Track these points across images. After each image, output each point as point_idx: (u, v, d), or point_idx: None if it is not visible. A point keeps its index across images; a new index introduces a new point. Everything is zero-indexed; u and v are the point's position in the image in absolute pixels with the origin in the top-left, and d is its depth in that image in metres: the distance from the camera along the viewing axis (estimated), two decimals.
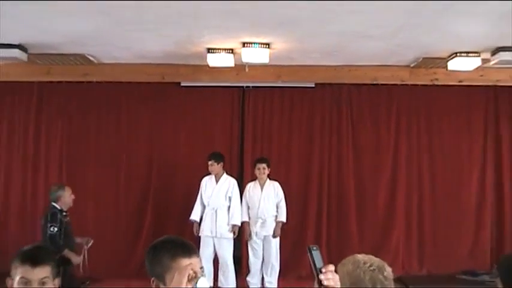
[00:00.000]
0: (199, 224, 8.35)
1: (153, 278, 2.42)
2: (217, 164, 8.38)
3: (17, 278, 2.75)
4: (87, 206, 9.18)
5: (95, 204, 9.24)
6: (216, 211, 8.31)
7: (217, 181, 8.41)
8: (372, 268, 2.50)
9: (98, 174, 9.30)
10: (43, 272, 2.78)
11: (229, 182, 8.44)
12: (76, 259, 7.14)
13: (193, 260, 2.40)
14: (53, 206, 7.00)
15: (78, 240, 7.29)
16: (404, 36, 7.00)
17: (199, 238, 8.25)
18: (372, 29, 6.73)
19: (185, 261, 2.37)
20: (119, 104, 9.38)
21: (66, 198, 7.10)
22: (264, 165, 8.39)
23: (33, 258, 2.77)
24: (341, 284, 2.41)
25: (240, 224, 8.37)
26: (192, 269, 2.35)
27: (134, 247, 9.13)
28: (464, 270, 8.96)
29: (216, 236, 8.28)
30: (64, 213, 6.99)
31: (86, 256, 7.22)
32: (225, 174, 8.48)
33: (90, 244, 7.34)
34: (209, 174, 8.43)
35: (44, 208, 9.06)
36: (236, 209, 8.36)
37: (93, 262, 8.83)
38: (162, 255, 2.41)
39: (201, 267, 2.42)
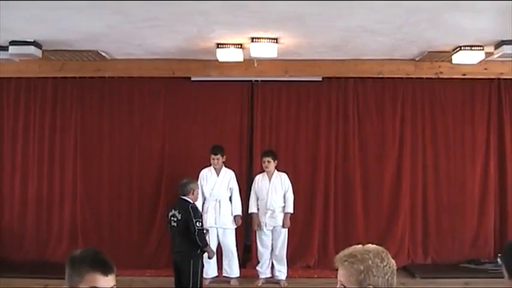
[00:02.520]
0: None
1: None
2: (222, 157, 8.57)
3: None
4: (101, 198, 9.40)
5: (108, 196, 9.39)
6: (219, 202, 8.50)
7: (218, 173, 8.58)
8: (389, 255, 2.55)
9: (111, 167, 9.43)
10: (113, 280, 2.60)
11: (229, 174, 8.63)
12: (212, 254, 7.45)
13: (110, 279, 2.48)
14: (186, 199, 7.05)
15: None
16: (408, 30, 7.10)
17: None
18: (376, 24, 6.82)
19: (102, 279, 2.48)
20: (131, 98, 9.47)
21: (196, 191, 7.20)
22: (269, 158, 8.50)
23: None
24: (366, 278, 2.49)
25: (241, 214, 8.59)
26: None
27: (147, 238, 9.29)
28: (468, 258, 9.07)
29: (220, 227, 8.48)
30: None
31: None
32: (224, 166, 8.65)
33: (208, 235, 7.58)
34: (208, 166, 8.59)
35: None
36: (237, 200, 8.60)
37: (107, 252, 9.11)
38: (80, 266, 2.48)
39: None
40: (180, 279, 7.01)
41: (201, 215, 7.22)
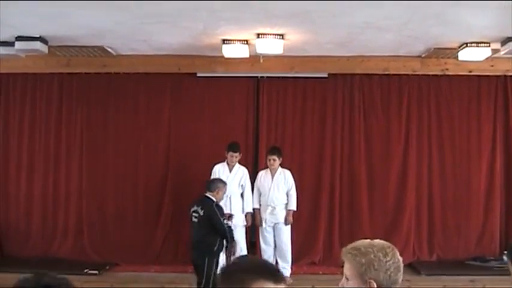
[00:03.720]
0: None
1: None
2: (240, 154, 8.58)
3: None
4: (106, 195, 9.41)
5: (114, 193, 9.40)
6: (230, 198, 8.41)
7: (230, 170, 8.54)
8: (394, 251, 2.57)
9: (117, 164, 9.41)
10: None
11: (242, 171, 8.60)
12: (236, 248, 7.57)
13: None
14: (210, 197, 7.22)
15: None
16: (414, 27, 7.09)
17: None
18: (382, 21, 6.81)
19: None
20: (136, 94, 9.46)
21: (222, 192, 7.41)
22: (274, 156, 8.45)
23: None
24: (368, 272, 2.52)
25: (252, 211, 8.57)
26: None
27: (153, 234, 9.29)
28: (474, 256, 9.04)
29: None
30: None
31: None
32: (237, 163, 8.63)
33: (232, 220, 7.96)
34: (221, 162, 8.55)
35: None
36: (249, 197, 8.57)
37: (113, 248, 9.17)
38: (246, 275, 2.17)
39: None
40: (197, 277, 7.17)
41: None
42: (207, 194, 7.26)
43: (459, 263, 8.96)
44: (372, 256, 2.52)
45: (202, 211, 7.10)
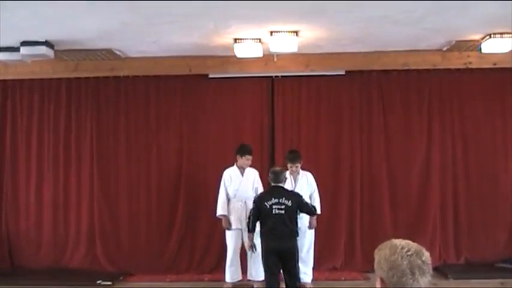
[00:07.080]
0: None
1: None
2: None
3: None
4: (119, 201, 9.29)
5: (127, 198, 9.27)
6: (245, 203, 8.17)
7: (242, 173, 8.30)
8: (409, 253, 2.44)
9: (129, 168, 9.30)
10: None
11: (254, 174, 8.37)
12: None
13: None
14: (283, 187, 7.18)
15: None
16: (434, 19, 6.94)
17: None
18: (399, 14, 6.68)
19: None
20: (147, 97, 9.34)
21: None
22: (297, 163, 8.07)
23: None
24: (378, 269, 2.50)
25: None
26: None
27: (167, 241, 9.16)
28: (503, 257, 8.80)
29: (246, 229, 8.12)
30: None
31: None
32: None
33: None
34: (231, 166, 8.32)
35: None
36: None
37: (127, 257, 8.98)
38: None
39: None
40: (286, 265, 7.11)
41: None
42: (281, 185, 7.15)
43: (488, 265, 8.73)
44: (382, 253, 2.51)
45: (290, 201, 7.03)
